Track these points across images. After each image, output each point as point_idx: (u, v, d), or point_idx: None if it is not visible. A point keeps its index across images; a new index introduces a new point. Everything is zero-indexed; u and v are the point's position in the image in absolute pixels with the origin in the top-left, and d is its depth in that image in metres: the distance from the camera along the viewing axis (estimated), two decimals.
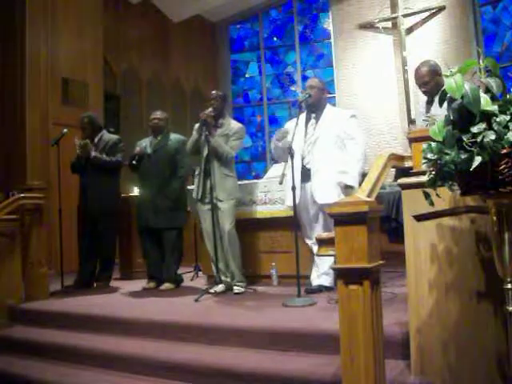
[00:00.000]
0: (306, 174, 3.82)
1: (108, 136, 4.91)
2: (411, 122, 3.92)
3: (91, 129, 4.84)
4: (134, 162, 4.55)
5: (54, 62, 6.83)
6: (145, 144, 4.65)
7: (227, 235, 4.05)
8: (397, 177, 3.61)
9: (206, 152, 4.11)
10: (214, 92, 4.30)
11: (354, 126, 3.88)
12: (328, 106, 4.02)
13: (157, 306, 3.78)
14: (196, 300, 3.70)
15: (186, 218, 4.75)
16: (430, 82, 3.49)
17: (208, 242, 4.17)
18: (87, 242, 4.77)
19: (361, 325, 1.97)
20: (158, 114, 4.70)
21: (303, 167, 3.84)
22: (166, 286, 4.49)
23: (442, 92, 1.68)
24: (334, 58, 9.64)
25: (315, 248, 3.67)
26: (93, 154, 4.65)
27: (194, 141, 4.19)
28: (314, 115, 3.95)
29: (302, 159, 3.85)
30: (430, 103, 3.57)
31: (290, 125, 4.04)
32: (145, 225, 4.56)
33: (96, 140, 4.82)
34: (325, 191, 3.68)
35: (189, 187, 4.91)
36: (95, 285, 4.80)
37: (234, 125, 4.26)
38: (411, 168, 2.30)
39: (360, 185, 3.68)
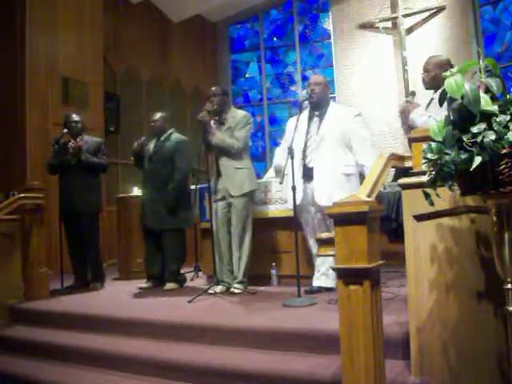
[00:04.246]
0: (308, 174, 3.78)
1: (90, 138, 4.89)
2: (411, 93, 3.95)
3: (81, 130, 4.86)
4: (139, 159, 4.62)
5: (54, 61, 6.82)
6: (150, 144, 4.70)
7: (234, 234, 4.02)
8: (396, 177, 3.61)
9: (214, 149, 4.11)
10: (212, 89, 4.27)
11: (360, 124, 3.82)
12: (332, 103, 3.98)
13: (157, 305, 3.78)
14: (190, 301, 3.68)
15: (190, 219, 4.73)
16: (430, 72, 3.53)
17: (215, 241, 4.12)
18: (75, 244, 4.74)
19: (361, 325, 1.97)
20: (154, 116, 4.72)
21: (305, 166, 3.80)
22: (170, 285, 4.49)
23: (443, 92, 1.68)
24: (334, 58, 9.63)
25: (315, 249, 3.66)
26: (83, 155, 4.63)
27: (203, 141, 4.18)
28: (317, 113, 3.88)
29: (304, 158, 3.81)
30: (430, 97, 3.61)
31: (291, 124, 4.00)
32: (146, 225, 4.57)
33: (78, 139, 4.78)
34: (327, 192, 3.62)
35: (192, 187, 4.90)
36: (91, 285, 4.79)
37: (237, 114, 4.20)
38: (411, 168, 2.30)
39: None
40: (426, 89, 3.61)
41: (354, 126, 3.77)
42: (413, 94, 3.86)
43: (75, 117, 4.90)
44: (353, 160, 3.76)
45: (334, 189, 3.59)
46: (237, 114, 4.20)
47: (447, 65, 3.52)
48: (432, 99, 3.61)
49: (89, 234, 4.73)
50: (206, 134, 4.05)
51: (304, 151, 3.81)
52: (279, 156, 3.98)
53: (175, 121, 8.40)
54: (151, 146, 4.70)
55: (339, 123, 3.77)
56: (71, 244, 4.78)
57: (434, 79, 3.52)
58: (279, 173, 3.81)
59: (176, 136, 4.69)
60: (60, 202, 4.73)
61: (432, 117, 3.24)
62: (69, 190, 4.68)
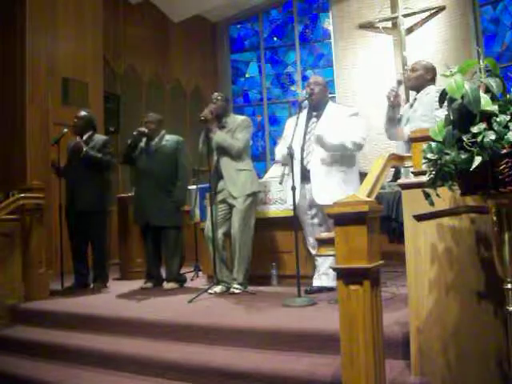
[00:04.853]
0: (305, 175, 3.78)
1: (98, 137, 4.89)
2: (398, 82, 3.95)
3: (84, 127, 4.84)
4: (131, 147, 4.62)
5: (54, 61, 6.83)
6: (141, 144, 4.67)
7: (235, 235, 4.01)
8: (395, 177, 3.61)
9: (216, 150, 4.14)
10: (215, 93, 4.35)
11: (356, 122, 3.78)
12: (330, 103, 3.96)
13: (156, 305, 3.78)
14: (190, 301, 3.68)
15: (190, 215, 4.75)
16: (416, 71, 3.72)
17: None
18: (78, 243, 4.75)
19: (361, 325, 1.97)
20: (148, 117, 4.71)
21: (303, 167, 3.79)
22: (170, 285, 4.49)
23: (443, 92, 1.68)
24: (334, 58, 9.63)
25: (315, 249, 3.66)
26: (84, 148, 4.60)
27: (202, 141, 4.18)
28: (314, 113, 3.88)
29: (302, 159, 3.81)
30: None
31: (289, 123, 4.01)
32: (145, 222, 4.56)
33: (85, 137, 4.79)
34: (325, 192, 3.61)
35: (189, 187, 4.92)
36: (92, 286, 4.79)
37: (237, 119, 4.26)
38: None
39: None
40: (408, 86, 3.74)
41: (351, 123, 3.76)
42: (399, 83, 3.91)
43: (80, 113, 4.90)
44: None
45: (333, 188, 3.59)
46: (236, 119, 4.26)
47: (432, 70, 3.70)
48: (415, 99, 3.68)
49: (93, 233, 4.72)
50: (208, 132, 4.07)
51: (302, 152, 3.81)
52: (279, 152, 3.97)
53: (175, 121, 8.45)
54: (141, 145, 4.68)
55: (334, 123, 3.75)
56: (73, 242, 4.77)
57: (417, 79, 3.70)
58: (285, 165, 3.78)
59: (172, 136, 4.71)
60: (66, 201, 4.76)
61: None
62: (74, 189, 4.68)
